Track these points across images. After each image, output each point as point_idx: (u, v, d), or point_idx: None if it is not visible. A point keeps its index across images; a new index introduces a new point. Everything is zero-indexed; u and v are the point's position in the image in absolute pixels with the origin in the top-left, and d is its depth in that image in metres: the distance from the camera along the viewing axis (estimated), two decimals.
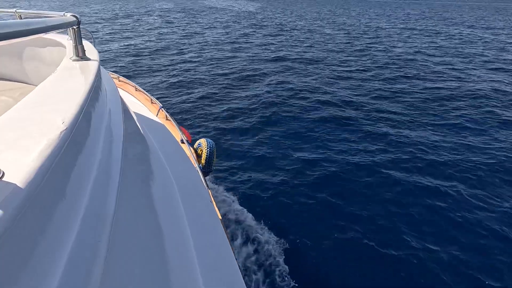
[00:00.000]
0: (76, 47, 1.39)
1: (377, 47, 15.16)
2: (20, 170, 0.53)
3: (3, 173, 0.51)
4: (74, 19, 1.36)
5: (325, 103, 7.64)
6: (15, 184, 0.50)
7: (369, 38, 18.24)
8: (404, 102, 7.90)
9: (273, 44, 15.46)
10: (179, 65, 10.85)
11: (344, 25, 24.59)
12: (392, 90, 8.77)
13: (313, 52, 13.77)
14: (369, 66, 11.40)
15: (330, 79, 9.70)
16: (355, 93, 8.44)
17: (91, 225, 0.69)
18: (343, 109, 7.36)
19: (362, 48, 15.00)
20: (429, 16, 36.15)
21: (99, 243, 0.70)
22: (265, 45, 15.11)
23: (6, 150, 0.60)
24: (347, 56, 13.01)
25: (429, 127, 6.46)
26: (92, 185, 0.76)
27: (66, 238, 0.60)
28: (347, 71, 10.75)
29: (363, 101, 7.85)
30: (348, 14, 35.10)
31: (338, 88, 8.83)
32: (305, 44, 15.59)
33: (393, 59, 12.66)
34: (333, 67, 11.26)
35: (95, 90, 1.08)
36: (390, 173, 4.79)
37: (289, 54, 13.04)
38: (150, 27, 19.92)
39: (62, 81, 1.12)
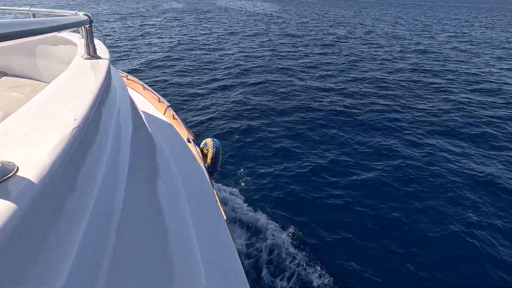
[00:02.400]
0: (87, 46, 1.41)
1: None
2: (33, 165, 0.54)
3: (18, 168, 0.52)
4: (87, 18, 1.38)
5: (337, 106, 7.61)
6: (29, 179, 0.51)
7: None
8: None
9: (285, 45, 15.45)
10: (187, 65, 10.91)
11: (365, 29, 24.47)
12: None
13: (326, 54, 13.74)
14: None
15: (340, 82, 9.67)
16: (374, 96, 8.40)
17: (99, 220, 0.70)
18: (355, 109, 7.34)
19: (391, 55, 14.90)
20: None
21: (107, 239, 0.72)
22: (276, 46, 15.11)
23: (20, 145, 0.61)
24: (364, 59, 12.95)
25: None
26: (101, 181, 0.78)
27: (75, 233, 0.61)
28: (362, 74, 10.71)
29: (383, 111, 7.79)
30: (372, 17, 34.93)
31: (350, 90, 8.80)
32: (319, 45, 15.56)
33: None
34: (345, 70, 11.23)
35: (106, 89, 1.09)
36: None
37: (301, 57, 13.00)
38: (159, 26, 20.07)
39: (74, 79, 1.14)
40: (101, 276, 0.64)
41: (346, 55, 13.50)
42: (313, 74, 10.42)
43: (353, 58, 12.98)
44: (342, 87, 9.14)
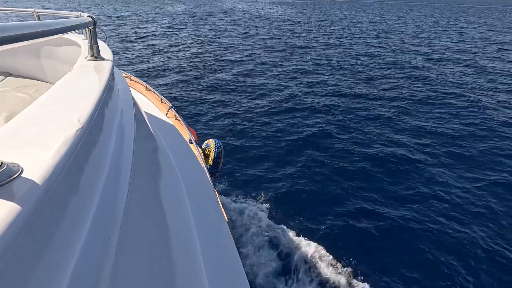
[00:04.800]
0: (91, 47, 1.42)
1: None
2: (38, 167, 0.55)
3: (22, 169, 0.53)
4: (91, 19, 1.39)
5: (347, 113, 7.57)
6: (33, 180, 0.51)
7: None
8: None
9: (288, 47, 15.45)
10: (189, 66, 10.94)
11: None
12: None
13: (331, 56, 13.73)
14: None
15: (345, 83, 9.66)
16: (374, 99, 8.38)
17: (102, 221, 0.71)
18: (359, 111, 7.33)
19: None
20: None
21: (109, 239, 0.72)
22: (280, 48, 15.12)
23: (25, 146, 0.62)
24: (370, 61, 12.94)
25: None
26: (104, 182, 0.78)
27: (78, 234, 0.62)
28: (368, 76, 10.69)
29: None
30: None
31: (357, 91, 8.79)
32: (324, 46, 15.56)
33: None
34: (352, 72, 11.22)
35: (109, 90, 1.10)
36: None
37: (305, 59, 12.99)
38: (163, 28, 20.15)
39: (78, 80, 1.14)
40: (104, 277, 0.64)
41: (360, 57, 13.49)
42: (322, 78, 10.42)
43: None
44: (358, 97, 9.12)
